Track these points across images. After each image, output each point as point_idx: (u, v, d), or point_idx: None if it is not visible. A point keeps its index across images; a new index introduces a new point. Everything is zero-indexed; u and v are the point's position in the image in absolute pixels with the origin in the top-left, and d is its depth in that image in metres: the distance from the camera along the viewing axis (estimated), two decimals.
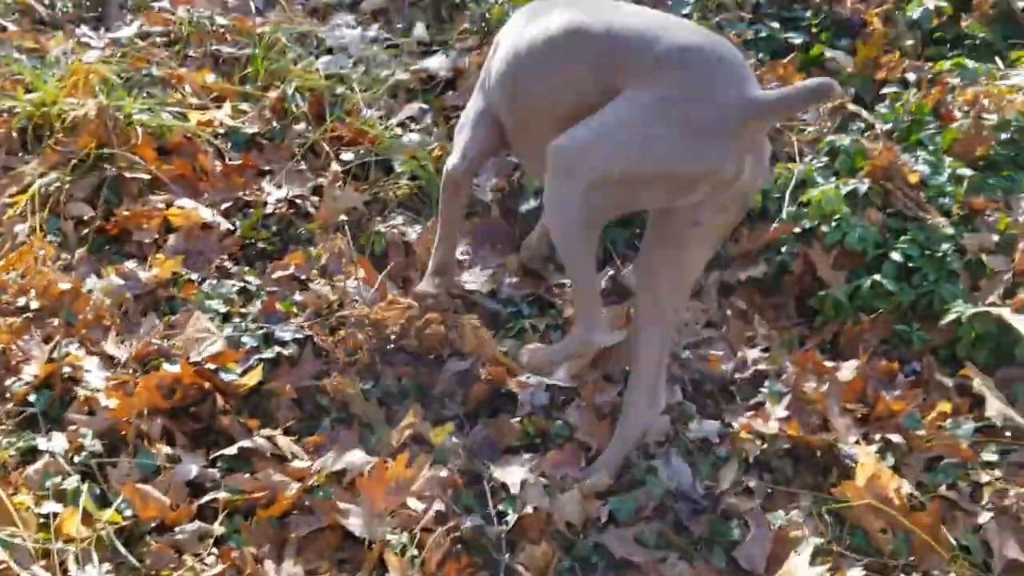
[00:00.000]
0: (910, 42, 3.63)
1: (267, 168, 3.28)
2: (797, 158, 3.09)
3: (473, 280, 2.88)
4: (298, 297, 2.77)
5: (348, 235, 3.01)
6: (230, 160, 3.27)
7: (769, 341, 2.71)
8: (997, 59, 3.50)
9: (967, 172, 2.93)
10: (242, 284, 2.83)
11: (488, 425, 2.50)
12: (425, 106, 3.57)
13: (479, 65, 3.60)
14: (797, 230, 2.85)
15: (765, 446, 2.40)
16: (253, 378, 2.51)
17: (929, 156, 2.98)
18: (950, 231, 2.77)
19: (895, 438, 2.36)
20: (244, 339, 2.61)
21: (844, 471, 2.33)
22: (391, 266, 2.91)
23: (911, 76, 3.40)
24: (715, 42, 2.23)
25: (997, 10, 3.70)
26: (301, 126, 3.42)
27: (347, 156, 3.31)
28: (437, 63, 3.76)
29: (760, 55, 3.62)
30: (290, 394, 2.52)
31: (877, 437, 2.39)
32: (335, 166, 3.23)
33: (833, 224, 2.79)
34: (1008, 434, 2.40)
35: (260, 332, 2.63)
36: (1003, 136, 3.04)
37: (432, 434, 2.42)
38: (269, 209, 3.12)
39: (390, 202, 3.19)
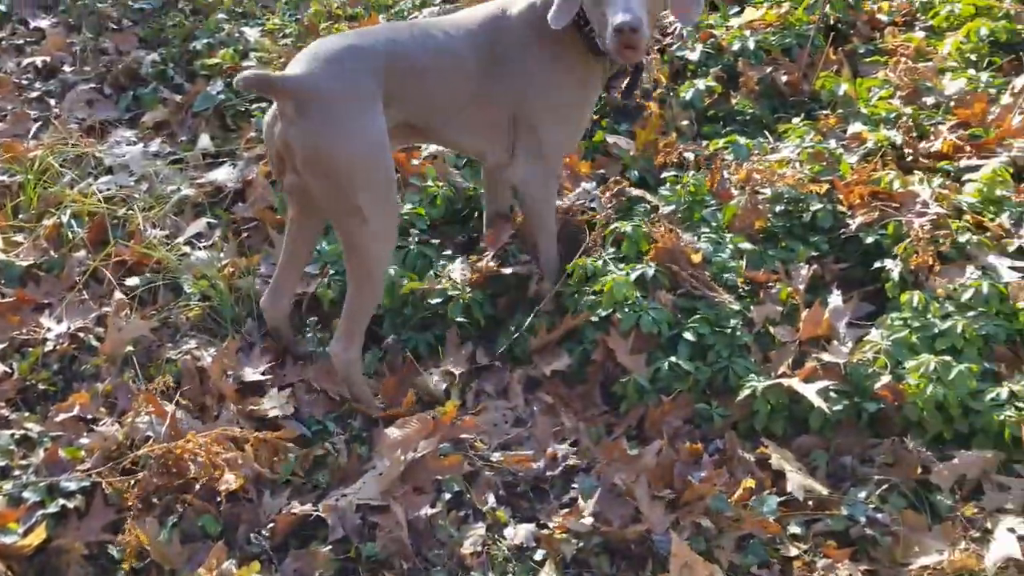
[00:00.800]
0: (686, 122, 3.78)
1: (45, 302, 3.11)
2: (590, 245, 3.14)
3: (273, 403, 2.78)
4: (85, 440, 2.62)
5: (137, 367, 2.87)
6: (3, 297, 3.09)
7: (577, 434, 2.71)
8: (767, 132, 3.69)
9: (747, 246, 3.05)
10: (22, 432, 2.66)
11: (298, 557, 2.39)
12: (214, 220, 3.47)
13: (267, 175, 3.55)
14: (594, 319, 2.88)
15: (581, 544, 2.39)
16: (37, 537, 2.35)
17: (711, 234, 3.09)
18: (737, 306, 2.86)
19: (704, 522, 2.38)
20: (26, 494, 2.46)
21: (659, 562, 2.34)
22: (185, 396, 2.78)
23: (689, 156, 3.54)
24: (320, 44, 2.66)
25: (763, 86, 3.90)
26: (81, 254, 3.28)
27: (132, 281, 3.18)
28: (224, 174, 3.67)
29: None
30: (80, 550, 2.36)
31: (688, 522, 2.40)
32: (119, 294, 3.09)
33: (627, 310, 2.83)
34: (811, 503, 2.46)
35: (43, 484, 2.47)
36: (778, 208, 3.18)
37: (238, 575, 2.30)
38: (49, 346, 2.96)
39: (182, 326, 3.07)
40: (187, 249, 3.30)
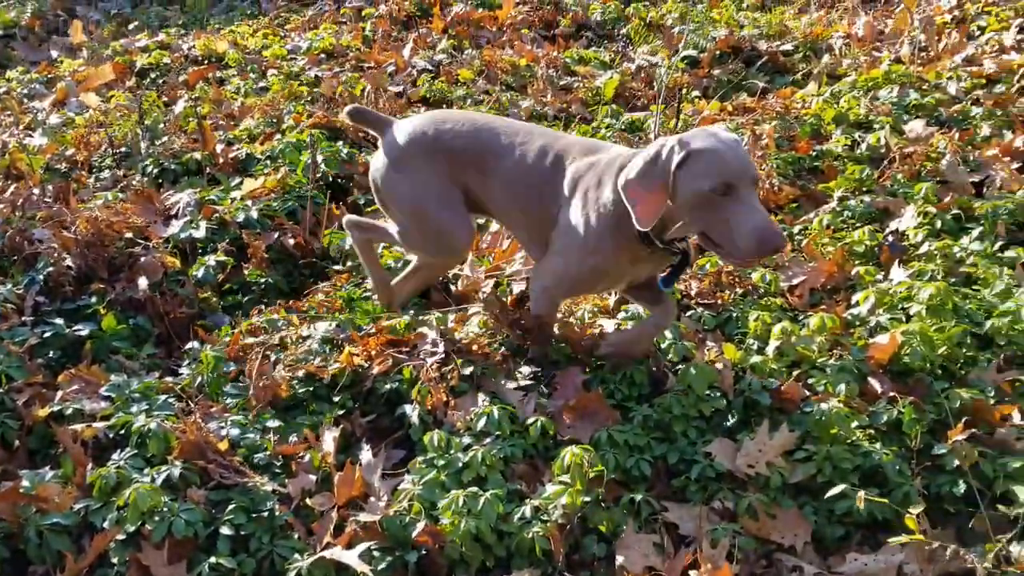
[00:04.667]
0: (207, 295, 3.72)
1: None
2: None
3: None
4: None
5: None
6: None
7: None
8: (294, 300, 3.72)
9: (274, 423, 3.00)
10: None
11: None
12: None
13: None
14: (122, 537, 2.66)
15: None
16: None
17: (237, 416, 3.01)
18: (271, 486, 2.78)
19: None
20: None
21: None
22: None
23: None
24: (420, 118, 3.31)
25: (273, 252, 3.96)
26: None
27: None
28: None
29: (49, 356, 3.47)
30: None
31: None
32: None
33: (157, 518, 2.66)
34: None
35: None
36: (300, 374, 3.17)
37: None
38: None
39: None
40: None
